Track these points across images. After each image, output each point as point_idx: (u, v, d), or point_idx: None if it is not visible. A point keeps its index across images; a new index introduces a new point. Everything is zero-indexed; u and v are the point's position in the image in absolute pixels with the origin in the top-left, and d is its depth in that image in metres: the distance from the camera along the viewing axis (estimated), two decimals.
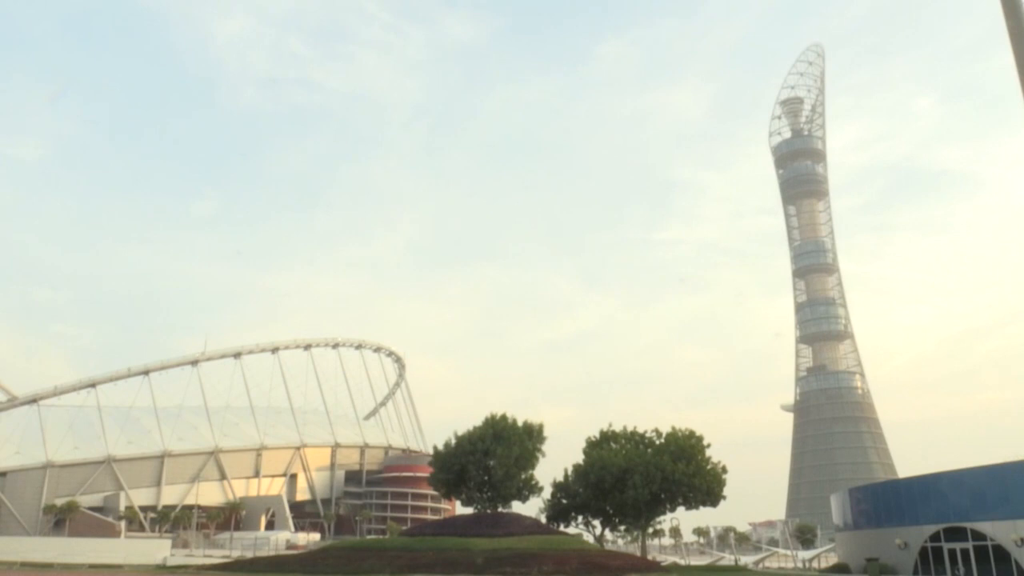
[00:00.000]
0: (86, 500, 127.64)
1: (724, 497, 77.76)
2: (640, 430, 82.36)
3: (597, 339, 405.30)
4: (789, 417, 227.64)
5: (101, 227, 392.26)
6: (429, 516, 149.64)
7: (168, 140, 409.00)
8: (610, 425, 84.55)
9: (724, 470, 77.42)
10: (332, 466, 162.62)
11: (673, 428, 79.69)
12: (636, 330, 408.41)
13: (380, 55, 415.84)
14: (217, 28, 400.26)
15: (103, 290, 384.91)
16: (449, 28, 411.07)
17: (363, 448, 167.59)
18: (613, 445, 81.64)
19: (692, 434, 78.48)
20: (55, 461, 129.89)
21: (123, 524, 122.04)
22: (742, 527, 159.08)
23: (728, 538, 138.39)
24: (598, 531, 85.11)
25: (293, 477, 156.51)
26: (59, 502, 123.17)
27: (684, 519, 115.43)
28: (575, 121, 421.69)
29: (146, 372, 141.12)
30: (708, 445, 78.29)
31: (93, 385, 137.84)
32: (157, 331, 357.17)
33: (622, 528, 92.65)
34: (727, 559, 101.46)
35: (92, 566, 75.00)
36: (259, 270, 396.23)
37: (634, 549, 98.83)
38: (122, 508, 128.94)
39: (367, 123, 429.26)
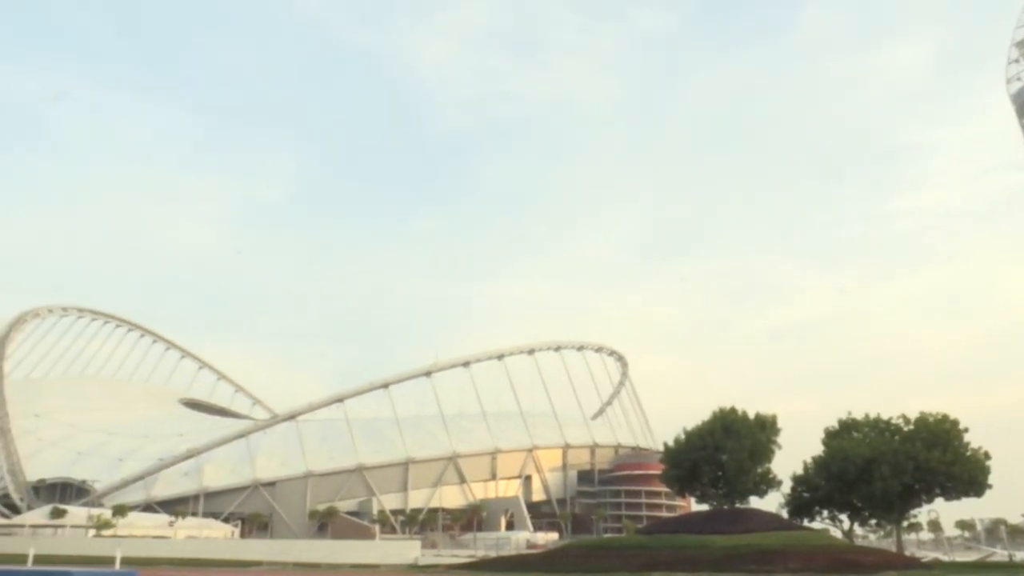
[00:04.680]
0: (343, 505, 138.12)
1: (990, 486, 71.01)
2: (883, 416, 77.07)
3: (827, 323, 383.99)
4: None
5: (339, 254, 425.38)
6: (664, 514, 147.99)
7: (386, 166, 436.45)
8: (849, 413, 79.94)
9: (987, 456, 70.63)
10: (564, 466, 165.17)
11: (922, 413, 73.81)
12: (870, 310, 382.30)
13: (575, 58, 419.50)
14: (420, 56, 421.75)
15: (343, 311, 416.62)
16: (639, 20, 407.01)
17: (593, 448, 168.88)
18: (855, 434, 77.08)
19: (946, 418, 72.25)
20: (314, 471, 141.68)
21: (377, 527, 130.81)
22: (1014, 519, 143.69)
23: (999, 531, 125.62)
24: (846, 526, 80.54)
25: (528, 478, 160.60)
26: (320, 507, 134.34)
27: (944, 511, 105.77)
28: (783, 95, 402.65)
29: (386, 385, 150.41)
30: (966, 430, 71.76)
31: (341, 400, 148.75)
32: (392, 346, 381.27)
33: (873, 522, 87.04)
34: (999, 555, 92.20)
35: (354, 566, 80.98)
36: (480, 281, 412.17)
37: (888, 544, 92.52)
38: (375, 512, 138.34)
39: (570, 126, 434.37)
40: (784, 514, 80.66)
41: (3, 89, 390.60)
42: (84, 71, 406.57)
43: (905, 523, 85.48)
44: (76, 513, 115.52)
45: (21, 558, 70.24)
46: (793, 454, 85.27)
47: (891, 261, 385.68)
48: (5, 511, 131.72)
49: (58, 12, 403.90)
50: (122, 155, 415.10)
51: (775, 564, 56.41)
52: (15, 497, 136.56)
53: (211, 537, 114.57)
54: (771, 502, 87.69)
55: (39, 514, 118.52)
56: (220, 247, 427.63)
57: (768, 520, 72.84)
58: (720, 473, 77.73)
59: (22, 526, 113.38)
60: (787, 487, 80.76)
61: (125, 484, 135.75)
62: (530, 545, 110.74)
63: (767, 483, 79.16)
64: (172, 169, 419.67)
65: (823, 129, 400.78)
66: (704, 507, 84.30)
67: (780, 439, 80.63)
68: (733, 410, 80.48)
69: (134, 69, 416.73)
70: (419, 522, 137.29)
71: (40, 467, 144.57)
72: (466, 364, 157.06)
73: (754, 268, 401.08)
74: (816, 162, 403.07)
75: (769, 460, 79.03)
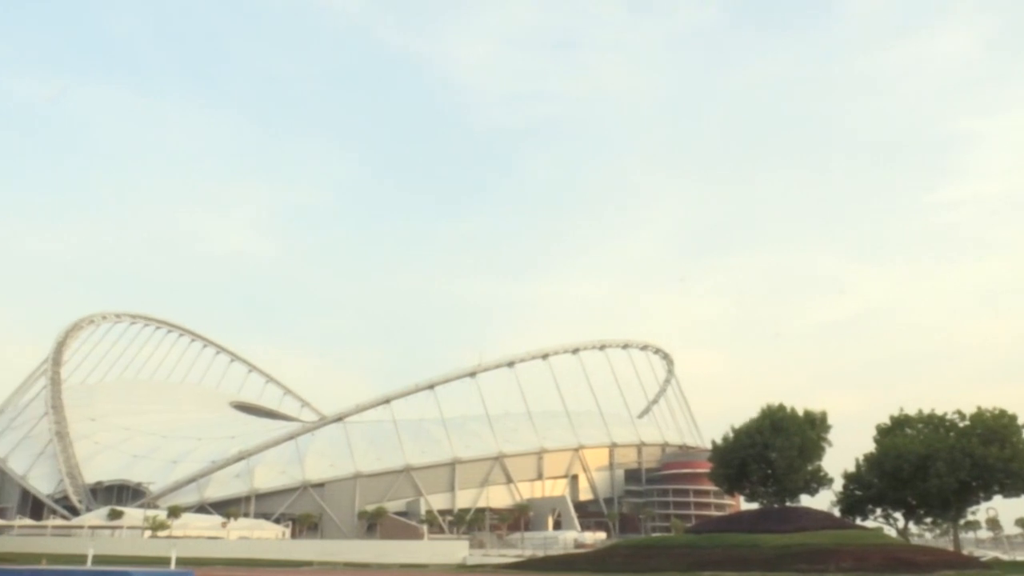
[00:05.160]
0: (391, 506, 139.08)
1: None
2: (937, 412, 75.62)
3: (877, 317, 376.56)
4: None
5: (379, 255, 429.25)
6: (713, 512, 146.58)
7: (426, 167, 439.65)
8: (901, 409, 78.58)
9: None
10: (611, 466, 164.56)
11: (979, 408, 72.19)
12: (921, 304, 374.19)
13: (616, 54, 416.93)
14: (460, 58, 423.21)
15: (386, 313, 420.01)
16: (681, 14, 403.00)
17: (639, 447, 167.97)
18: (908, 430, 75.74)
19: (1004, 413, 70.65)
20: (362, 472, 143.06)
21: (425, 527, 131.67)
22: None
23: None
24: (900, 524, 79.05)
25: (574, 478, 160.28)
26: (369, 508, 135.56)
27: (1004, 508, 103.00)
28: (828, 86, 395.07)
29: (431, 386, 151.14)
30: None
31: (387, 401, 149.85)
32: (436, 347, 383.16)
33: (928, 520, 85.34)
34: None
35: (403, 566, 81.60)
36: (523, 280, 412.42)
37: (944, 543, 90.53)
38: (422, 512, 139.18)
39: (611, 124, 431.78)
40: (836, 512, 79.54)
41: (40, 96, 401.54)
42: (126, 80, 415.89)
43: (962, 521, 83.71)
44: (132, 514, 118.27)
45: (81, 558, 72.10)
46: (843, 452, 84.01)
47: (938, 253, 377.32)
48: (65, 513, 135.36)
49: (98, 21, 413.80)
50: (166, 162, 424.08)
51: (827, 563, 55.65)
52: (74, 499, 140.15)
53: (262, 538, 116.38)
54: (822, 500, 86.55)
55: (97, 515, 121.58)
56: (263, 252, 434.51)
57: (820, 519, 71.87)
58: (769, 471, 76.90)
59: (81, 527, 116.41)
60: (838, 485, 79.67)
61: (179, 486, 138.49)
62: (578, 544, 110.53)
63: (818, 481, 78.20)
64: (214, 175, 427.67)
65: (867, 120, 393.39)
66: (754, 506, 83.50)
67: (830, 436, 79.63)
68: (782, 407, 79.58)
69: (175, 77, 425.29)
70: (466, 522, 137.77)
71: (97, 470, 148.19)
72: (511, 364, 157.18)
73: (799, 262, 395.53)
74: (860, 154, 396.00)
75: (820, 457, 78.04)
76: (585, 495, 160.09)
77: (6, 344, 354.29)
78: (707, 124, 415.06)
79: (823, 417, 79.27)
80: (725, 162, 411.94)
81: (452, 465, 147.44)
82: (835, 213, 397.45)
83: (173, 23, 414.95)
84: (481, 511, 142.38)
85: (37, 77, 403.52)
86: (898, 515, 78.47)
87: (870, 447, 77.76)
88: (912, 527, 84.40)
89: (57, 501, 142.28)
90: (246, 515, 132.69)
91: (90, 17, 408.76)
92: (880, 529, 77.66)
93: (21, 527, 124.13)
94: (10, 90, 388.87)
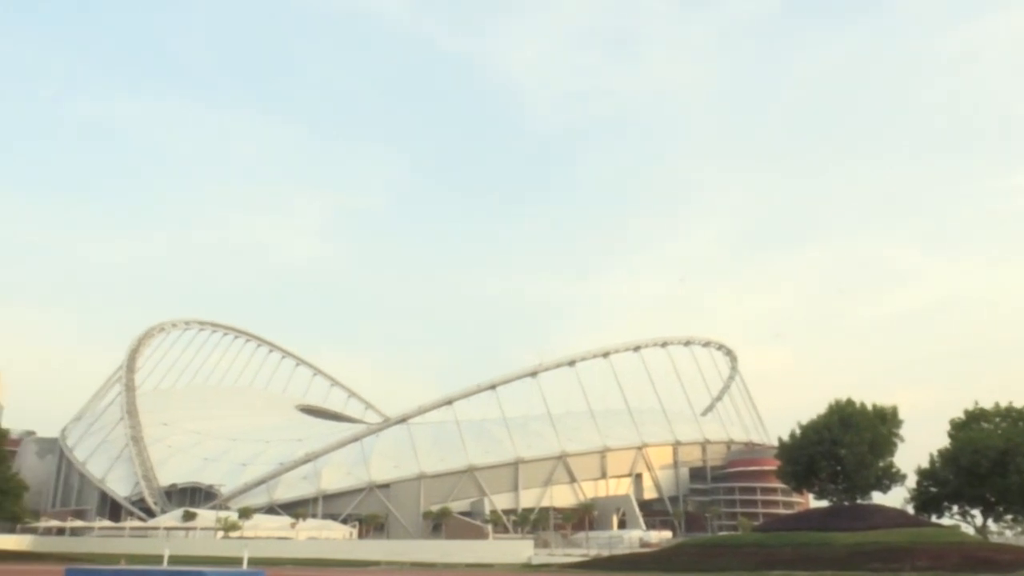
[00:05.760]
0: (456, 506, 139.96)
1: None
2: (1016, 405, 73.08)
3: (951, 308, 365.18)
4: None
5: (439, 257, 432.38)
6: (781, 511, 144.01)
7: (482, 168, 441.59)
8: (976, 403, 76.11)
9: None
10: (675, 464, 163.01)
11: None
12: (995, 293, 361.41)
13: (671, 50, 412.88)
14: (515, 58, 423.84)
15: (446, 314, 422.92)
16: (734, 4, 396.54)
17: (704, 444, 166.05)
18: (985, 425, 73.35)
19: None
20: (426, 472, 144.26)
21: (490, 527, 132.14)
22: None
23: None
24: (978, 521, 76.53)
25: (638, 476, 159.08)
26: (434, 508, 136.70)
27: None
28: (890, 71, 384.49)
29: (492, 387, 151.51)
30: None
31: (450, 402, 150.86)
32: (497, 347, 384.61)
33: (1008, 518, 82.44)
34: None
35: (468, 565, 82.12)
36: (583, 279, 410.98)
37: None
38: (487, 512, 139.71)
39: (667, 119, 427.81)
40: (910, 510, 77.47)
41: (109, 111, 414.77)
42: (190, 92, 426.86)
43: None
44: (205, 516, 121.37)
45: (157, 559, 74.23)
46: (916, 447, 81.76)
47: (1013, 240, 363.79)
48: (141, 514, 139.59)
49: (162, 37, 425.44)
50: (231, 172, 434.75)
51: (903, 562, 54.23)
52: (150, 501, 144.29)
53: (331, 538, 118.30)
54: (895, 497, 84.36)
55: (171, 517, 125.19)
56: (325, 257, 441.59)
57: (893, 516, 70.23)
58: (839, 468, 75.37)
59: (157, 528, 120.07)
60: (912, 481, 77.62)
61: (248, 488, 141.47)
62: (643, 544, 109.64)
63: (890, 478, 76.37)
64: (277, 183, 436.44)
65: (938, 103, 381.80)
66: (823, 503, 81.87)
67: (902, 431, 77.64)
68: (850, 402, 77.88)
69: (236, 88, 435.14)
70: (531, 522, 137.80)
71: (171, 473, 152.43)
72: (571, 363, 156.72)
73: (865, 254, 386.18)
74: (928, 139, 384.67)
75: (891, 453, 76.23)
76: (649, 494, 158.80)
77: (85, 351, 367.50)
78: (767, 115, 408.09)
79: (894, 412, 77.31)
80: (787, 153, 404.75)
81: (515, 465, 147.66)
82: (903, 202, 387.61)
83: (231, 37, 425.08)
84: (545, 511, 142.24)
85: (106, 93, 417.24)
86: (976, 512, 76.08)
87: (944, 442, 75.61)
88: (991, 524, 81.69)
89: (134, 503, 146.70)
90: (314, 516, 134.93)
91: (155, 34, 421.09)
92: (957, 527, 75.47)
93: (101, 528, 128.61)
94: (79, 105, 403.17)
